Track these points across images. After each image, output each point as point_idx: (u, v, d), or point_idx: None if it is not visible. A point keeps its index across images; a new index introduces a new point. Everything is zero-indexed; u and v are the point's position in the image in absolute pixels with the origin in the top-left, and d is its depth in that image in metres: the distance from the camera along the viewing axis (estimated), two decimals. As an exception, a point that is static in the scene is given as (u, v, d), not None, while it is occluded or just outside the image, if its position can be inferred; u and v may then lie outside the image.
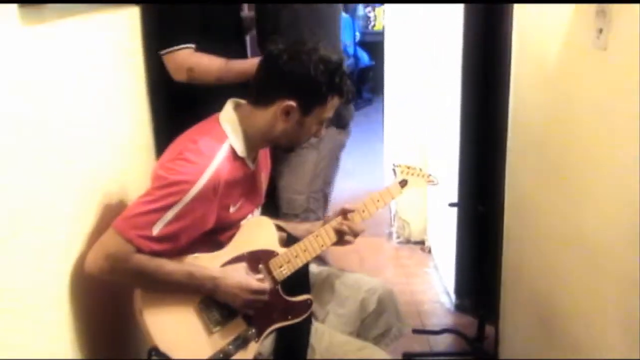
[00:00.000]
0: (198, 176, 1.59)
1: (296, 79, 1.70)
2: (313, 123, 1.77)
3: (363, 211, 1.94)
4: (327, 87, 1.71)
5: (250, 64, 2.15)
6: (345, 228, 1.89)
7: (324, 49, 1.73)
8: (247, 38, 2.67)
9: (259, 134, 1.76)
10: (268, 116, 1.73)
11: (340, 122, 2.56)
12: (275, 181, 2.49)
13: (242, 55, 2.45)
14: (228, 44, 2.32)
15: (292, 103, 1.70)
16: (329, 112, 1.77)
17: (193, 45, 2.22)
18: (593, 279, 1.66)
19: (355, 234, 1.91)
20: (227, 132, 1.73)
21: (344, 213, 1.93)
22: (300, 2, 2.33)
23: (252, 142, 1.77)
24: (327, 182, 2.64)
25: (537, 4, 1.98)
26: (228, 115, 1.77)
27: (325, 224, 1.92)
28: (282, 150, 1.98)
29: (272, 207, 2.45)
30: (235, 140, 1.72)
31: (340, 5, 2.73)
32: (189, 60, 2.22)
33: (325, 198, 2.64)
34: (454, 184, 3.11)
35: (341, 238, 1.91)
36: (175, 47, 2.20)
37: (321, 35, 2.24)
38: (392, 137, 4.21)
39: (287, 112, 1.71)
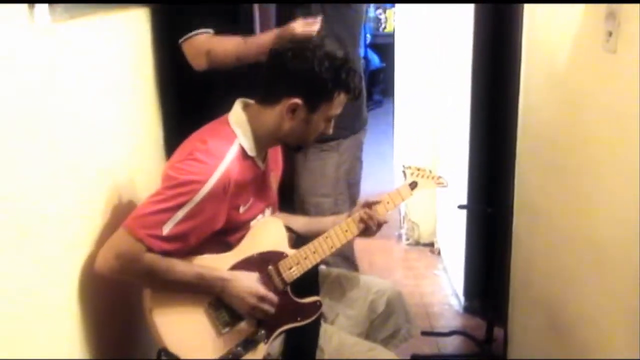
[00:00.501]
0: (208, 176, 1.60)
1: (301, 76, 1.69)
2: (320, 120, 1.76)
3: (388, 202, 1.95)
4: (333, 83, 1.70)
5: (268, 36, 2.14)
6: (368, 220, 1.89)
7: (329, 45, 1.72)
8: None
9: (268, 133, 1.76)
10: (275, 115, 1.73)
11: (359, 125, 2.56)
12: (296, 185, 2.51)
13: None
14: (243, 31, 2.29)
15: (298, 100, 1.69)
16: (336, 108, 1.76)
17: (211, 31, 2.21)
18: (602, 281, 1.66)
19: (379, 225, 1.92)
20: (236, 132, 1.73)
21: (368, 205, 1.93)
22: (317, 2, 2.32)
23: (262, 142, 1.77)
24: (353, 184, 2.63)
25: (547, 4, 1.98)
26: (237, 115, 1.77)
27: (348, 218, 1.93)
28: (293, 150, 1.97)
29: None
30: (244, 140, 1.73)
31: (364, 9, 2.68)
32: (207, 43, 2.21)
33: (353, 200, 2.61)
34: (464, 186, 3.10)
35: (363, 231, 1.92)
36: (192, 33, 2.19)
37: (347, 39, 2.29)
38: (402, 139, 4.21)
39: (293, 109, 1.71)
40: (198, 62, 2.22)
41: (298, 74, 1.70)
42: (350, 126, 2.50)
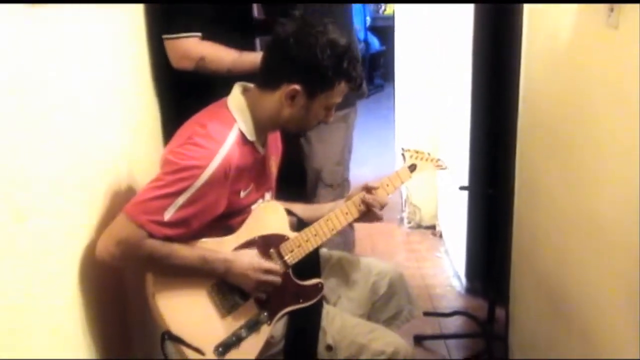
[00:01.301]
0: (209, 161, 1.59)
1: (302, 63, 1.67)
2: (320, 108, 1.75)
3: (387, 185, 1.96)
4: (334, 72, 1.68)
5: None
6: (368, 203, 1.90)
7: (333, 32, 1.69)
8: (257, 41, 2.64)
9: (267, 118, 1.76)
10: (274, 100, 1.72)
11: (360, 95, 2.67)
12: (309, 157, 2.62)
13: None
14: (234, 38, 2.28)
15: (297, 87, 1.68)
16: (336, 97, 1.75)
17: (199, 34, 2.20)
18: (603, 261, 1.66)
19: (382, 206, 1.93)
20: (235, 117, 1.72)
21: (367, 189, 1.94)
22: (307, 2, 2.31)
23: (261, 126, 1.77)
24: (350, 151, 2.77)
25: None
26: (236, 100, 1.77)
27: (348, 201, 1.93)
28: (292, 135, 1.97)
29: (296, 179, 2.61)
30: (243, 124, 1.72)
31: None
32: (200, 49, 2.19)
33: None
34: (465, 168, 3.11)
35: (363, 214, 1.93)
36: (183, 34, 2.18)
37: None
38: (403, 123, 4.21)
39: (292, 96, 1.70)
40: (184, 64, 2.21)
41: (299, 61, 1.68)
42: (354, 97, 2.62)
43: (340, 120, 2.57)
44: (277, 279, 1.77)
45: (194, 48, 2.20)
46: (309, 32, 1.68)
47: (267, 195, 1.92)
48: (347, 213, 1.91)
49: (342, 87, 1.74)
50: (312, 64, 1.67)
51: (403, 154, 2.04)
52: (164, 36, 2.20)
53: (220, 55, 2.22)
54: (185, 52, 2.20)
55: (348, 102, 2.53)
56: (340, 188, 2.69)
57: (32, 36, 1.33)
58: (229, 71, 2.21)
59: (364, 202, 1.91)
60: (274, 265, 1.78)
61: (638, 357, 1.46)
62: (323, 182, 2.65)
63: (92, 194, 1.66)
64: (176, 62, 2.21)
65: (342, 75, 1.71)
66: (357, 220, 1.95)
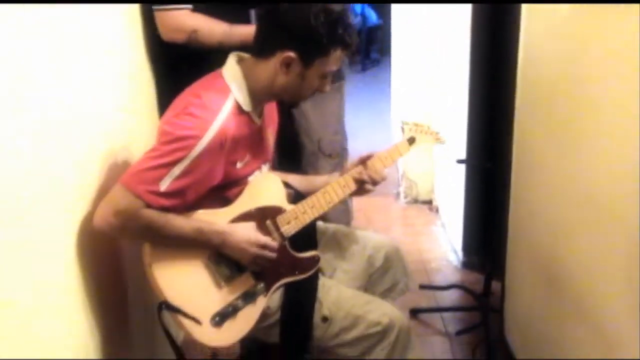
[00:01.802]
0: (204, 131, 1.59)
1: (296, 30, 1.66)
2: (315, 76, 1.73)
3: (386, 158, 1.95)
4: (329, 38, 1.67)
5: (253, 29, 2.12)
6: (365, 177, 1.90)
7: None
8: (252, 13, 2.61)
9: (262, 87, 1.74)
10: (270, 68, 1.71)
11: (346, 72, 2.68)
12: (307, 128, 2.63)
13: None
14: (227, 10, 2.25)
15: (292, 54, 1.67)
16: (332, 64, 1.73)
17: (190, 6, 2.18)
18: (599, 235, 1.67)
19: (375, 182, 1.93)
20: (230, 87, 1.71)
21: (363, 161, 1.94)
22: (306, 1, 2.29)
23: (256, 96, 1.76)
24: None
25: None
26: (231, 69, 1.75)
27: (344, 174, 1.93)
28: (287, 105, 1.96)
29: (293, 153, 2.64)
30: (239, 94, 1.71)
31: None
32: (192, 21, 2.17)
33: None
34: (462, 141, 3.10)
35: (361, 187, 1.92)
36: (174, 6, 2.15)
37: None
38: (400, 97, 4.20)
39: (287, 63, 1.68)
40: (175, 36, 2.19)
41: (293, 28, 1.66)
42: (346, 70, 2.62)
43: (335, 90, 2.59)
44: (272, 254, 1.77)
45: (186, 20, 2.17)
46: (301, 6, 1.66)
47: (264, 167, 1.91)
48: (344, 186, 1.91)
49: (337, 55, 1.72)
50: (306, 30, 1.65)
51: (402, 127, 2.03)
52: (155, 7, 2.17)
53: (211, 28, 2.20)
54: (176, 25, 2.17)
55: (341, 75, 2.65)
56: (340, 157, 2.73)
57: (23, 16, 1.31)
58: (219, 44, 2.19)
59: (361, 177, 1.91)
60: (270, 240, 1.78)
61: (634, 329, 1.47)
62: (322, 153, 2.68)
63: (88, 165, 1.65)
64: (167, 34, 2.19)
65: (337, 42, 1.69)
66: (355, 194, 1.95)
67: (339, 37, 1.68)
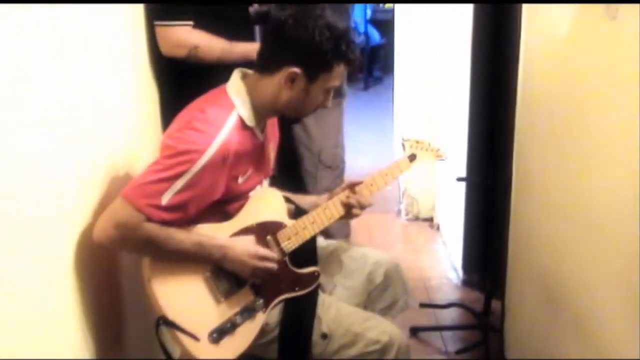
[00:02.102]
0: (207, 145, 1.59)
1: (301, 45, 1.67)
2: (319, 91, 1.74)
3: (371, 185, 1.95)
4: (333, 54, 1.69)
5: (254, 47, 2.11)
6: (353, 201, 1.90)
7: (331, 15, 1.69)
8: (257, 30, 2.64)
9: (266, 103, 1.75)
10: (274, 84, 1.72)
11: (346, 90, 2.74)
12: (310, 142, 2.72)
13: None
14: (230, 28, 2.26)
15: (297, 70, 1.68)
16: (335, 80, 1.75)
17: (192, 23, 2.19)
18: (599, 254, 1.66)
19: (363, 207, 1.93)
20: (234, 102, 1.72)
21: (352, 186, 1.94)
22: (305, 2, 2.31)
23: (260, 112, 1.76)
24: None
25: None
26: (235, 85, 1.76)
27: (333, 197, 1.93)
28: (289, 121, 1.97)
29: (293, 162, 2.72)
30: (243, 109, 1.72)
31: None
32: (193, 37, 2.18)
33: None
34: (463, 160, 3.11)
35: (349, 211, 1.92)
36: (175, 22, 2.17)
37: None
38: (402, 116, 4.21)
39: (292, 79, 1.69)
40: (175, 52, 2.20)
41: (298, 43, 1.68)
42: (347, 85, 2.79)
43: (335, 105, 2.58)
44: (273, 266, 1.76)
45: (187, 37, 2.19)
46: (308, 15, 1.68)
47: (265, 182, 1.92)
48: (345, 203, 1.91)
49: (340, 70, 1.74)
50: (311, 46, 1.67)
51: (403, 144, 2.03)
52: (156, 22, 2.18)
53: (211, 44, 2.22)
54: (177, 41, 2.19)
55: (342, 92, 2.74)
56: (339, 170, 2.83)
57: (28, 24, 1.32)
58: (218, 60, 2.21)
59: (344, 203, 1.91)
60: (270, 252, 1.77)
61: (634, 348, 1.46)
62: (323, 164, 2.76)
63: (90, 177, 1.65)
64: (167, 49, 2.20)
65: (340, 57, 1.71)
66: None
67: (342, 52, 1.70)
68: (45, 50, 1.40)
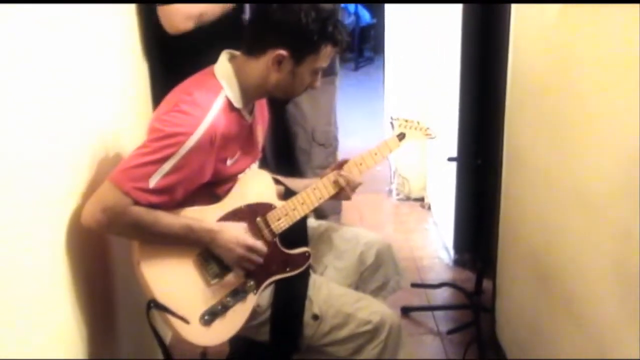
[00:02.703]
0: (194, 128, 1.58)
1: (287, 27, 1.66)
2: (306, 73, 1.73)
3: (360, 164, 1.94)
4: (319, 35, 1.67)
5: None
6: (342, 180, 1.89)
7: None
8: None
9: (254, 84, 1.74)
10: (261, 66, 1.71)
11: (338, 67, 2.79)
12: (302, 120, 2.78)
13: None
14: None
15: (284, 52, 1.67)
16: (322, 61, 1.73)
17: None
18: (590, 232, 1.66)
19: (353, 187, 1.92)
20: (222, 84, 1.71)
21: (342, 166, 1.93)
22: (299, 2, 2.30)
23: (248, 94, 1.75)
24: None
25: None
26: (223, 67, 1.75)
27: (323, 177, 1.92)
28: (278, 102, 1.96)
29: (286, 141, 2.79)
30: (230, 91, 1.71)
31: None
32: (195, 7, 2.21)
33: None
34: (454, 139, 3.10)
35: (339, 191, 1.92)
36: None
37: None
38: (393, 96, 4.19)
39: (279, 61, 1.68)
40: (185, 26, 2.22)
41: (284, 25, 1.67)
42: (338, 65, 2.86)
43: (328, 83, 2.69)
44: (259, 259, 1.76)
45: (189, 9, 2.21)
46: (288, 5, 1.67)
47: (254, 165, 1.90)
48: (334, 181, 1.90)
49: (328, 51, 1.72)
50: (297, 28, 1.65)
51: (392, 123, 2.03)
52: (160, 5, 2.20)
53: (213, 7, 2.26)
54: (184, 14, 2.21)
55: (334, 70, 2.79)
56: (332, 147, 2.89)
57: (20, 8, 1.30)
58: (222, 17, 2.27)
59: (334, 182, 1.91)
60: (259, 243, 1.76)
61: (625, 328, 1.47)
62: (316, 142, 2.82)
63: (80, 160, 1.64)
64: (175, 27, 2.22)
65: (327, 39, 1.69)
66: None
67: (329, 34, 1.69)
68: (31, 34, 1.38)
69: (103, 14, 1.90)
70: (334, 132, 2.91)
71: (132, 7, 2.19)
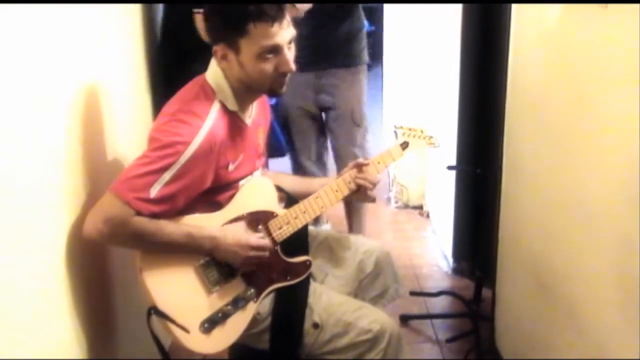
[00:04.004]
0: (193, 136, 1.58)
1: (210, 21, 1.67)
2: (251, 59, 1.64)
3: (378, 163, 1.95)
4: (238, 17, 1.60)
5: None
6: (360, 181, 1.90)
7: None
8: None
9: (237, 84, 1.72)
10: (224, 66, 1.71)
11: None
12: (345, 100, 3.11)
13: None
14: None
15: (217, 47, 1.68)
16: (262, 40, 1.62)
17: None
18: (590, 240, 1.67)
19: (373, 184, 1.93)
20: (214, 89, 1.71)
21: (358, 166, 1.93)
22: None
23: (239, 95, 1.74)
24: None
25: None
26: (212, 71, 1.74)
27: (338, 178, 1.93)
28: (270, 95, 1.92)
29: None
30: (223, 95, 1.71)
31: None
32: None
33: None
34: (453, 148, 3.10)
35: (356, 192, 1.92)
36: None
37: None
38: (391, 103, 4.20)
39: (221, 56, 1.68)
40: None
41: (208, 20, 1.68)
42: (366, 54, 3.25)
43: (360, 72, 3.17)
44: (264, 254, 1.76)
45: None
46: None
47: (257, 172, 1.90)
48: (337, 190, 1.90)
49: (263, 29, 1.61)
50: (216, 18, 1.66)
51: (395, 131, 2.02)
52: (195, 10, 2.26)
53: None
54: None
55: (362, 60, 3.23)
56: (365, 128, 3.21)
57: (18, 12, 1.30)
58: None
59: (355, 182, 1.90)
60: (262, 240, 1.76)
61: (625, 336, 1.47)
62: (354, 123, 3.14)
63: (80, 171, 1.64)
64: None
65: (248, 18, 1.60)
66: (347, 197, 1.94)
67: (249, 12, 1.60)
68: (33, 38, 1.38)
69: (103, 20, 1.90)
70: (366, 114, 3.21)
71: (135, 13, 2.19)
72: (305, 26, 2.76)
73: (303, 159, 3.25)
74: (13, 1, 1.27)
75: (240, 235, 1.72)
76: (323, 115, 3.23)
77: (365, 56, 3.21)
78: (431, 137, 2.05)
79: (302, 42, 2.78)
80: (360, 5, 3.17)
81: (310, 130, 3.23)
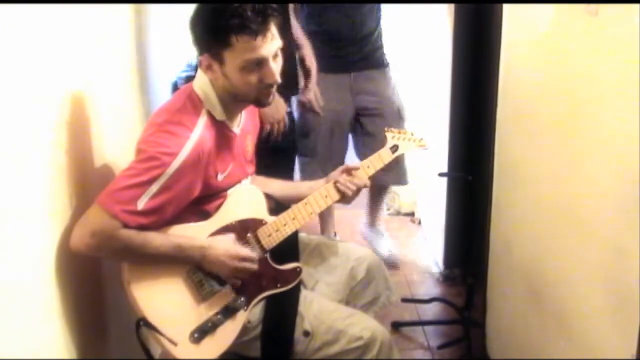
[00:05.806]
0: (180, 148, 1.58)
1: (195, 33, 1.66)
2: (236, 70, 1.64)
3: (368, 167, 1.94)
4: (219, 29, 1.59)
5: None
6: (349, 185, 1.90)
7: None
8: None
9: (223, 94, 1.71)
10: (210, 76, 1.70)
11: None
12: (378, 96, 3.20)
13: None
14: None
15: (201, 57, 1.67)
16: (246, 53, 1.61)
17: None
18: (581, 247, 1.66)
19: (358, 190, 1.92)
20: (201, 98, 1.70)
21: (348, 171, 1.92)
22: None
23: (226, 104, 1.73)
24: None
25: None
26: (200, 80, 1.73)
27: (327, 183, 1.92)
28: (258, 106, 1.91)
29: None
30: (210, 104, 1.70)
31: None
32: None
33: None
34: (444, 154, 3.11)
35: (344, 195, 1.91)
36: None
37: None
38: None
39: (206, 66, 1.67)
40: None
41: (192, 32, 1.67)
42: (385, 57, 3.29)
43: (385, 73, 3.25)
44: (253, 266, 1.75)
45: None
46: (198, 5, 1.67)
47: (245, 181, 1.89)
48: (326, 196, 1.89)
49: (246, 43, 1.60)
50: (200, 30, 1.65)
51: (385, 135, 2.02)
52: None
53: None
54: None
55: (384, 62, 3.28)
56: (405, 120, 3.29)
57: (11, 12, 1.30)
58: None
59: (346, 185, 1.89)
60: (250, 252, 1.76)
61: (616, 343, 1.46)
62: (401, 118, 3.24)
63: (67, 183, 1.62)
64: None
65: (231, 31, 1.58)
66: (338, 202, 1.94)
67: (231, 26, 1.58)
68: (31, 44, 1.38)
69: (88, 19, 1.89)
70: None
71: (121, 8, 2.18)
72: (340, 27, 3.02)
73: (323, 164, 3.09)
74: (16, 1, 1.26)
75: (229, 247, 1.72)
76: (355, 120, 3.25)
77: (385, 59, 3.30)
78: (421, 139, 2.05)
79: (338, 43, 2.97)
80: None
81: (339, 135, 3.21)
